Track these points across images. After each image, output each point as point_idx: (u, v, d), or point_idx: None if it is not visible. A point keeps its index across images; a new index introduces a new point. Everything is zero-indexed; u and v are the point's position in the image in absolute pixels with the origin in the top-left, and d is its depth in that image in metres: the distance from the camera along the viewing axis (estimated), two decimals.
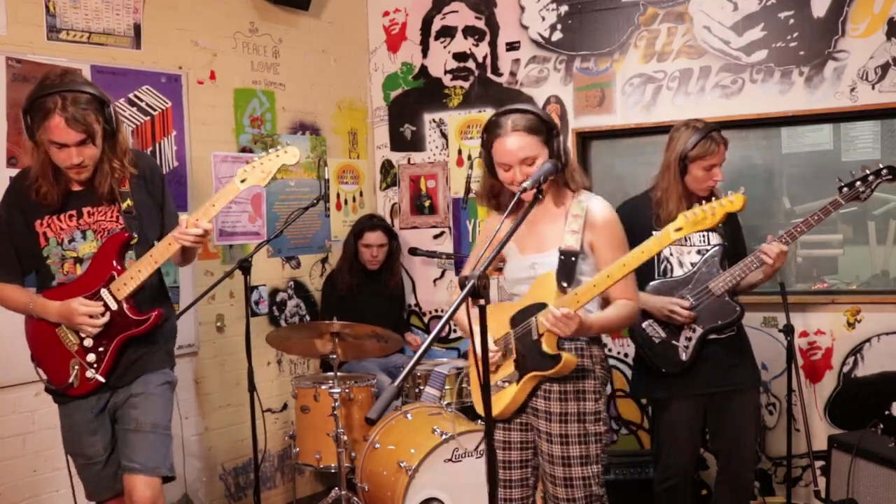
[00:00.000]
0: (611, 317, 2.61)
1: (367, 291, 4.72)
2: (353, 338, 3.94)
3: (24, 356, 3.54)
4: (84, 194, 2.78)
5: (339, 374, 3.91)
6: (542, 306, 2.55)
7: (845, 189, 3.29)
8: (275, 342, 4.14)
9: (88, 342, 2.78)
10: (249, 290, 4.23)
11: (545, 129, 2.59)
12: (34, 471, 3.62)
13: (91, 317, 2.72)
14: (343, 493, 3.85)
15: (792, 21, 4.23)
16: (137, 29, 4.03)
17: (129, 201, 2.79)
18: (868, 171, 3.27)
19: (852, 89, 4.11)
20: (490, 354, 2.60)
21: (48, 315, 2.78)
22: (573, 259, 2.57)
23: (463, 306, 2.47)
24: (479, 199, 2.85)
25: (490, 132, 2.63)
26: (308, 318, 4.94)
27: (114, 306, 2.75)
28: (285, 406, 4.75)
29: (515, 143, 2.56)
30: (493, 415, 2.63)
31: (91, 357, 2.78)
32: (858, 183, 3.27)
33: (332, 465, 3.94)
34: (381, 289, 4.80)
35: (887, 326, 4.12)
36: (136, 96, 4.00)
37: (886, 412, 4.06)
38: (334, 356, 3.90)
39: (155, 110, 4.09)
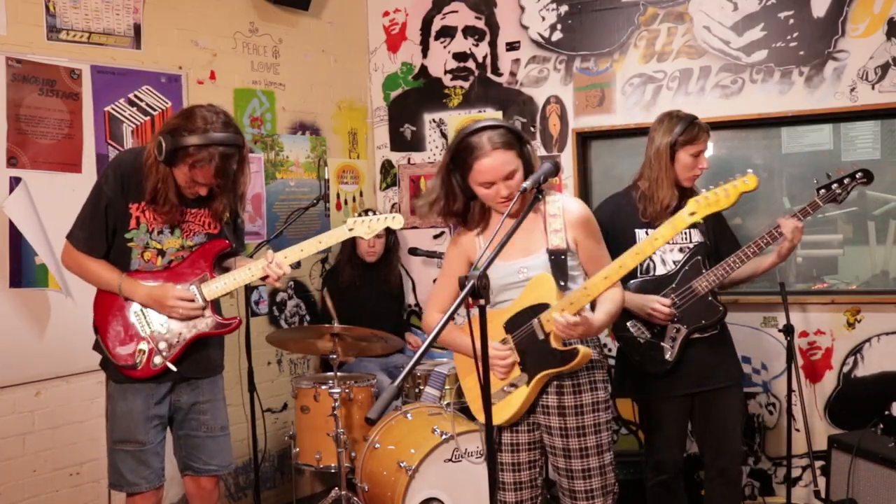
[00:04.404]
0: (611, 312, 2.65)
1: (367, 285, 4.72)
2: (353, 338, 3.94)
3: (24, 356, 3.56)
4: (186, 197, 2.87)
5: (339, 374, 3.91)
6: (544, 307, 2.56)
7: (822, 191, 3.32)
8: (275, 342, 4.14)
9: (163, 329, 2.86)
10: (249, 290, 4.23)
11: (517, 141, 2.60)
12: (34, 471, 3.62)
13: (184, 300, 2.83)
14: (343, 493, 3.85)
15: (792, 21, 4.23)
16: (137, 29, 4.03)
17: (227, 214, 2.97)
18: (843, 174, 3.30)
19: (852, 89, 4.11)
20: (502, 357, 2.62)
21: (135, 296, 2.84)
22: (563, 257, 2.61)
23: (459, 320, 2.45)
24: (444, 217, 2.71)
25: (467, 154, 2.58)
26: (308, 318, 4.94)
27: (201, 304, 2.88)
28: (285, 406, 4.75)
29: (499, 160, 2.55)
30: (503, 421, 2.67)
31: (163, 345, 2.86)
32: (835, 185, 3.29)
33: (332, 465, 3.94)
34: (381, 283, 4.81)
35: (887, 326, 4.12)
36: (136, 96, 4.00)
37: (886, 412, 4.06)
38: (334, 356, 3.90)
39: (155, 110, 4.09)
